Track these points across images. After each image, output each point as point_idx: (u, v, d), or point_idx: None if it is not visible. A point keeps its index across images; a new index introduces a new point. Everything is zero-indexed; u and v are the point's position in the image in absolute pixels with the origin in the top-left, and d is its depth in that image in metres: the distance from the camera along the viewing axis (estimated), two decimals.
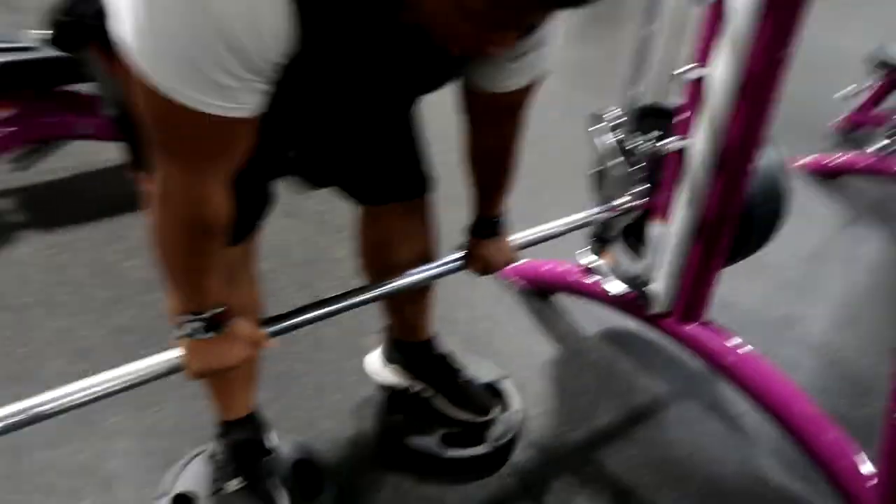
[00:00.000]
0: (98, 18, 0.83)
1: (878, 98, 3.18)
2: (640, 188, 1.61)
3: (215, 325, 0.95)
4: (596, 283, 1.80)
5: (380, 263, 1.34)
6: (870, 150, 2.82)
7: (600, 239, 1.75)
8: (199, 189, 0.82)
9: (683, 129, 1.50)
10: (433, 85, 1.00)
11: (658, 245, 1.64)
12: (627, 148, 1.60)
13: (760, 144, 1.48)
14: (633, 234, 1.78)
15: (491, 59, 0.95)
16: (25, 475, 1.35)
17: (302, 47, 0.74)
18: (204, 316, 0.94)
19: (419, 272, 1.26)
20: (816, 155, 3.00)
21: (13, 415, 0.93)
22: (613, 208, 1.64)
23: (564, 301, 2.00)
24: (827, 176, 2.93)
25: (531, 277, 2.04)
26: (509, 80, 0.99)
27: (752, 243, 1.70)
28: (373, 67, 0.88)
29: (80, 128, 2.07)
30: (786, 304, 2.12)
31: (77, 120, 2.07)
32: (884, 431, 1.30)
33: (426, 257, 1.33)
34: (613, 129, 1.63)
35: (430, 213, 1.34)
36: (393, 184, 1.27)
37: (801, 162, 3.00)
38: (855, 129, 3.28)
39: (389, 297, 1.36)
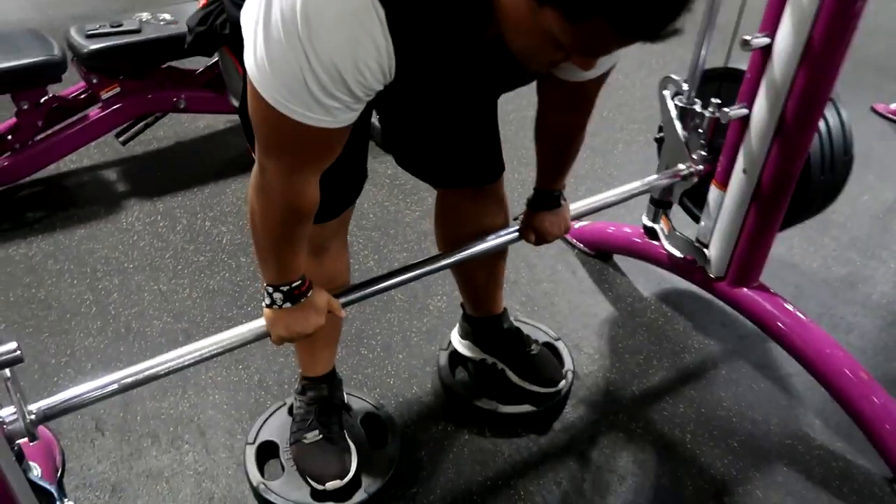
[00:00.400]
0: (225, 27, 1.02)
1: None
2: (701, 154, 1.65)
3: (295, 297, 1.09)
4: (654, 245, 1.86)
5: (452, 237, 1.45)
6: None
7: (660, 203, 1.80)
8: (297, 185, 0.95)
9: (747, 97, 1.51)
10: (513, 86, 1.10)
11: (715, 210, 1.68)
12: (691, 113, 1.63)
13: (820, 115, 1.48)
14: (693, 198, 1.82)
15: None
16: (133, 424, 1.56)
17: (398, 76, 0.85)
18: (284, 289, 1.08)
19: (477, 243, 1.36)
20: None
21: (130, 375, 1.08)
22: (674, 174, 1.69)
23: (623, 263, 2.07)
24: None
25: (592, 240, 2.11)
26: (584, 73, 1.06)
27: (810, 209, 1.71)
28: (460, 80, 0.99)
29: (178, 102, 2.27)
30: (850, 264, 2.11)
31: (174, 95, 2.26)
32: None
33: (496, 231, 1.42)
34: (676, 94, 1.67)
35: (500, 193, 1.44)
36: (469, 171, 1.38)
37: (887, 107, 2.88)
38: None
39: (457, 269, 1.49)
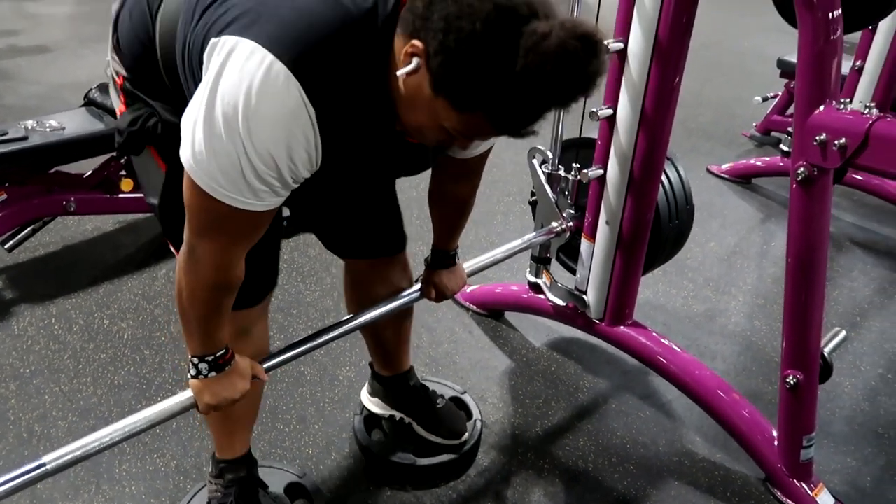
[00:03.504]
0: (157, 128, 1.13)
1: (785, 103, 3.50)
2: (570, 212, 1.87)
3: (220, 365, 1.16)
4: (539, 298, 2.06)
5: (362, 301, 1.55)
6: (780, 152, 3.13)
7: (540, 259, 2.01)
8: (228, 261, 1.05)
9: (601, 160, 1.76)
10: (416, 170, 1.26)
11: (588, 259, 1.89)
12: (556, 178, 1.86)
13: (661, 170, 1.74)
14: (567, 253, 2.04)
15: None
16: None
17: (322, 164, 0.99)
18: (209, 359, 1.15)
19: (384, 304, 1.48)
20: (733, 161, 3.32)
21: (31, 470, 1.08)
22: (548, 232, 1.90)
23: (514, 318, 2.25)
24: (743, 179, 3.25)
25: (483, 301, 2.28)
26: (469, 152, 1.30)
27: (665, 251, 1.97)
28: (373, 166, 1.14)
29: (67, 205, 2.28)
30: (707, 301, 2.40)
31: (63, 198, 2.28)
32: (780, 392, 1.56)
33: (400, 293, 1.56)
34: (542, 162, 1.90)
35: (404, 260, 1.58)
36: (374, 244, 1.52)
37: (720, 168, 3.31)
38: (768, 133, 3.60)
39: (367, 329, 1.61)
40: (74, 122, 2.29)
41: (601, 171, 1.74)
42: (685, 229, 1.96)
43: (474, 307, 2.29)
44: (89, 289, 2.29)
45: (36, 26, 5.11)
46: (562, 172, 1.84)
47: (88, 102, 2.40)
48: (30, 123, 2.23)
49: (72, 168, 2.36)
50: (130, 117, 1.17)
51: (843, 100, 1.31)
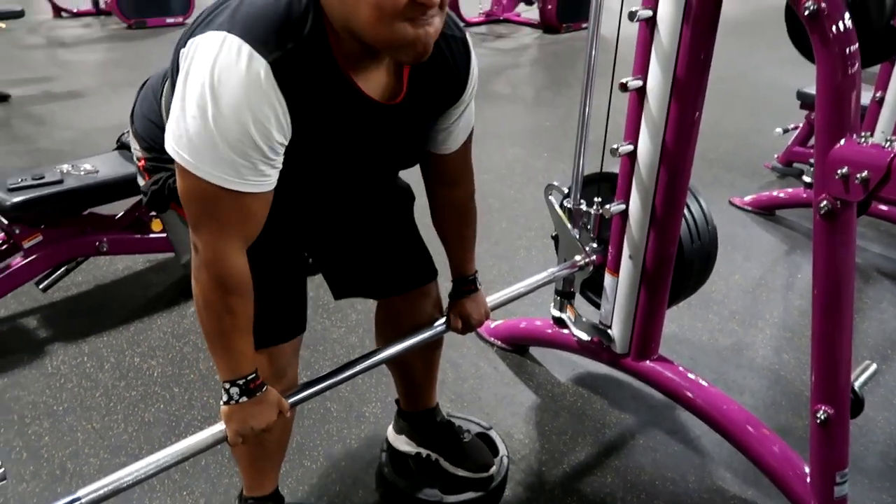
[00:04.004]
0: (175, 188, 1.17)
1: (806, 135, 3.50)
2: (593, 246, 1.89)
3: (251, 390, 1.18)
4: (564, 333, 2.06)
5: (391, 335, 1.55)
6: (802, 184, 3.12)
7: (564, 293, 2.01)
8: (222, 251, 1.09)
9: (622, 195, 1.78)
10: (406, 156, 1.30)
11: (612, 294, 1.90)
12: (578, 212, 1.88)
13: (683, 203, 1.76)
14: (591, 288, 2.05)
15: (435, 131, 1.31)
16: None
17: (294, 133, 1.05)
18: (240, 382, 1.17)
19: (411, 337, 1.50)
20: (756, 192, 3.32)
21: (91, 492, 1.11)
22: (571, 266, 1.91)
23: (538, 353, 2.25)
24: (766, 211, 3.24)
25: (508, 336, 2.29)
26: (447, 144, 1.33)
27: (690, 284, 1.97)
28: (352, 145, 1.18)
29: (100, 246, 2.35)
30: (733, 334, 2.38)
31: (96, 239, 2.34)
32: (810, 427, 1.55)
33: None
34: (564, 197, 1.92)
35: (435, 295, 1.59)
36: (402, 275, 1.53)
37: (742, 200, 3.31)
38: (790, 164, 3.59)
39: (395, 364, 1.63)
40: (107, 166, 2.36)
41: (623, 207, 1.76)
42: (709, 262, 1.96)
43: (499, 342, 2.30)
44: (120, 327, 2.33)
45: (69, 73, 5.29)
46: (584, 207, 1.86)
47: (121, 146, 2.47)
48: (65, 167, 2.31)
49: (104, 209, 2.43)
50: (153, 179, 1.27)
51: (864, 133, 1.32)
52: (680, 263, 1.82)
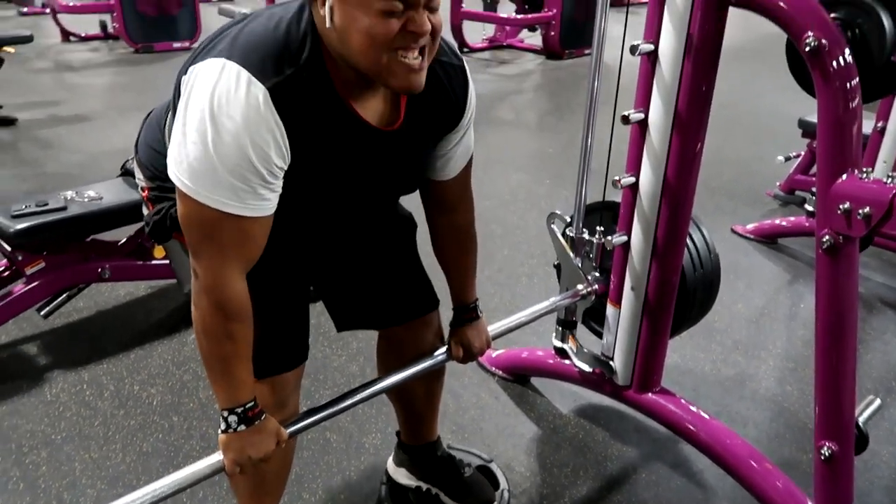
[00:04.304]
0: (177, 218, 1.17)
1: (808, 163, 3.51)
2: (595, 275, 1.88)
3: (249, 419, 1.17)
4: (565, 364, 2.04)
5: (393, 365, 1.54)
6: (805, 212, 3.12)
7: (566, 323, 2.00)
8: (221, 277, 1.09)
9: (624, 226, 1.77)
10: (399, 181, 1.30)
11: (614, 325, 1.89)
12: (580, 241, 1.87)
13: (685, 235, 1.75)
14: (593, 318, 2.04)
15: (434, 157, 1.31)
16: None
17: (293, 158, 1.06)
18: (238, 411, 1.16)
19: (411, 366, 1.49)
20: (758, 221, 3.31)
21: None
22: (573, 295, 1.90)
23: (540, 384, 2.23)
24: (768, 239, 3.23)
25: (509, 366, 2.27)
26: (446, 170, 1.34)
27: (692, 315, 1.96)
28: (349, 170, 1.18)
29: (102, 273, 2.35)
30: (736, 365, 2.36)
31: (99, 265, 2.34)
32: (814, 462, 1.53)
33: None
34: (567, 225, 1.92)
35: (436, 325, 1.58)
36: (404, 304, 1.52)
37: (744, 228, 3.30)
38: (792, 192, 3.59)
39: (396, 395, 1.62)
40: (111, 193, 2.37)
41: (625, 238, 1.75)
42: (712, 292, 1.95)
43: (500, 372, 2.28)
44: (120, 354, 2.33)
45: (76, 96, 5.34)
46: (586, 236, 1.86)
47: (125, 172, 2.48)
48: (69, 194, 2.32)
49: (106, 235, 2.44)
50: (156, 209, 1.27)
51: (865, 169, 1.32)
52: (683, 294, 1.82)
